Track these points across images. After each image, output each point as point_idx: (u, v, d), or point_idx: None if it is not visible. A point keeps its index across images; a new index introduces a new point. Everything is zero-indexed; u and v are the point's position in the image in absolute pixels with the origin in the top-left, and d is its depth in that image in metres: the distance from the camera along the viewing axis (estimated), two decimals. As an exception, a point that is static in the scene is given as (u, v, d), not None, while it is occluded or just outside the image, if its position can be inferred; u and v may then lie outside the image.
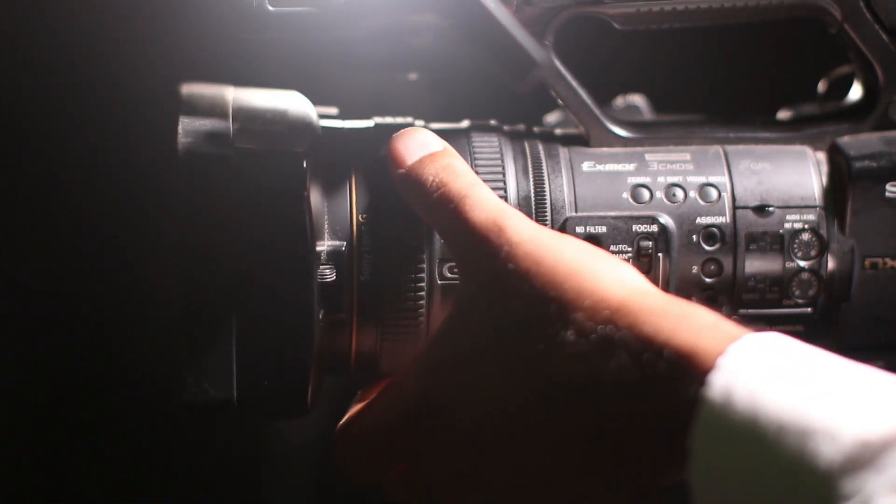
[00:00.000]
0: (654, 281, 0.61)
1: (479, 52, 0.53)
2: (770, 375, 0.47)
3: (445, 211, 0.57)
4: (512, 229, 0.55)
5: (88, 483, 0.97)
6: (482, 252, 0.56)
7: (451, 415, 0.56)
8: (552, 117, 0.71)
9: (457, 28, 0.53)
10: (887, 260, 0.62)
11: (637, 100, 0.71)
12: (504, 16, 0.52)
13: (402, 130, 0.60)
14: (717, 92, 0.90)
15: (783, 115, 0.69)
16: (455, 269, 0.60)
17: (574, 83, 0.63)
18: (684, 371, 0.49)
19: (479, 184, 0.58)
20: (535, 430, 0.53)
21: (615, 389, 0.51)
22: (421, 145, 0.60)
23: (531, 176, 0.62)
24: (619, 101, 0.71)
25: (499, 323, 0.55)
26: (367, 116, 0.65)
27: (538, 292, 0.54)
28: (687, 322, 0.51)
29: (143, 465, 0.97)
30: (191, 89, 0.62)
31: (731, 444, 0.47)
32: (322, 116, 0.64)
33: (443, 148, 0.60)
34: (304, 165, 0.57)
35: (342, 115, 0.66)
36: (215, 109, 0.60)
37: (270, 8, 0.58)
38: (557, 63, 0.62)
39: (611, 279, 0.54)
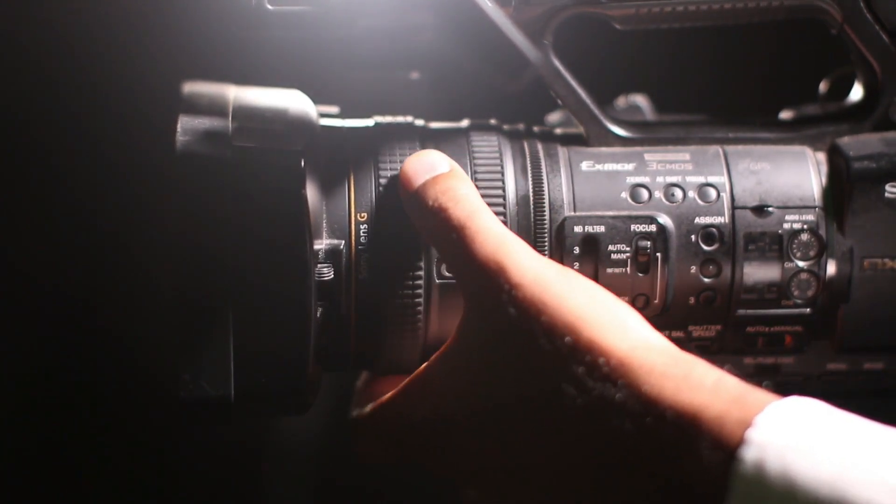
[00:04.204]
0: (653, 281, 0.61)
1: (473, 51, 0.53)
2: (801, 448, 0.46)
3: (445, 239, 0.57)
4: (513, 269, 0.55)
5: (86, 481, 0.97)
6: (483, 289, 0.55)
7: (457, 426, 0.56)
8: (554, 117, 0.71)
9: (451, 27, 0.53)
10: (886, 261, 0.61)
11: (639, 100, 0.71)
12: (498, 15, 0.52)
13: (415, 153, 0.60)
14: (718, 92, 0.90)
15: (786, 115, 0.69)
16: None
17: (573, 83, 0.63)
18: (691, 437, 0.48)
19: (480, 211, 0.57)
20: (539, 466, 0.53)
21: (617, 447, 0.51)
22: (428, 167, 0.59)
23: (530, 175, 0.62)
24: (621, 101, 0.71)
25: (499, 364, 0.54)
26: (369, 115, 0.65)
27: (538, 342, 0.53)
28: (689, 382, 0.50)
29: (142, 464, 0.97)
30: (192, 88, 0.62)
31: None
32: (323, 115, 0.64)
33: (449, 169, 0.59)
34: (302, 164, 0.57)
35: (344, 114, 0.66)
36: (215, 108, 0.60)
37: (269, 7, 0.58)
38: (556, 63, 0.62)
39: (613, 331, 0.53)
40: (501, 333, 0.54)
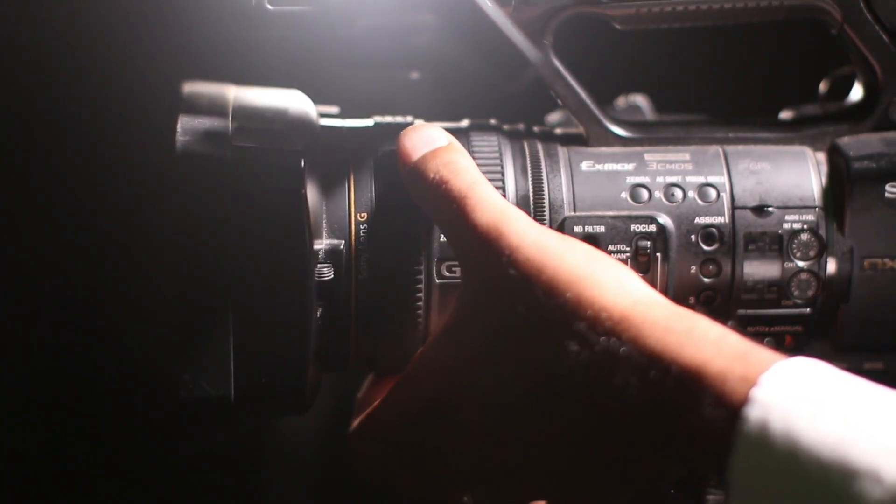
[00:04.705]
0: (653, 281, 0.61)
1: (473, 51, 0.53)
2: (805, 408, 0.46)
3: (447, 210, 0.57)
4: (513, 233, 0.55)
5: (86, 481, 0.97)
6: (483, 255, 0.55)
7: (459, 413, 0.56)
8: (554, 117, 0.71)
9: (451, 27, 0.53)
10: (886, 261, 0.61)
11: (639, 100, 0.71)
12: (499, 15, 0.52)
13: (412, 126, 0.60)
14: (717, 92, 0.90)
15: (785, 115, 0.69)
16: (454, 269, 0.60)
17: (573, 83, 0.63)
18: (694, 392, 0.48)
19: (480, 182, 0.57)
20: (543, 435, 0.53)
21: (622, 403, 0.50)
22: (426, 141, 0.59)
23: (530, 175, 0.62)
24: (621, 101, 0.71)
25: (501, 329, 0.54)
26: (368, 115, 0.65)
27: (540, 300, 0.53)
28: (692, 337, 0.50)
29: (143, 464, 0.97)
30: (192, 88, 0.62)
31: (771, 481, 0.46)
32: (323, 115, 0.64)
33: (448, 143, 0.59)
34: (302, 164, 0.57)
35: (343, 114, 0.66)
36: (215, 108, 0.60)
37: (269, 7, 0.58)
38: (556, 63, 0.62)
39: (614, 288, 0.53)
40: (502, 296, 0.54)
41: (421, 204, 0.59)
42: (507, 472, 0.55)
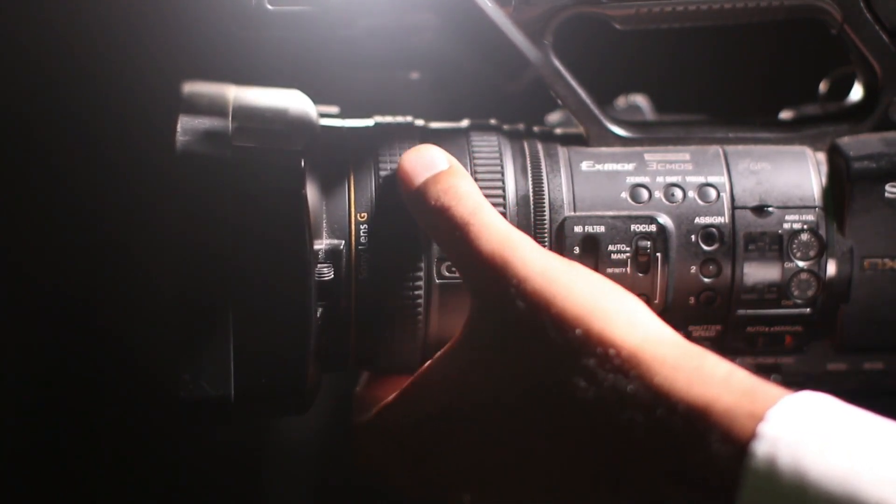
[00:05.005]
0: (653, 281, 0.61)
1: (473, 51, 0.53)
2: (813, 444, 0.46)
3: (450, 237, 0.57)
4: (519, 262, 0.55)
5: (86, 481, 0.97)
6: (490, 284, 0.55)
7: (463, 425, 0.56)
8: (554, 117, 0.71)
9: (451, 27, 0.53)
10: (886, 261, 0.61)
11: (639, 100, 0.71)
12: (498, 15, 0.52)
13: (412, 148, 0.60)
14: (717, 92, 0.90)
15: (785, 115, 0.69)
16: (454, 269, 0.60)
17: (573, 83, 0.63)
18: (702, 430, 0.48)
19: (482, 207, 0.57)
20: (545, 456, 0.53)
21: (627, 437, 0.51)
22: (427, 165, 0.59)
23: (530, 175, 0.62)
24: (621, 101, 0.71)
25: (508, 354, 0.54)
26: (368, 115, 0.65)
27: (548, 334, 0.53)
28: (700, 375, 0.50)
29: (143, 464, 0.97)
30: (192, 88, 0.62)
31: None
32: (323, 115, 0.64)
33: (448, 166, 0.59)
34: (302, 164, 0.57)
35: (343, 114, 0.66)
36: (215, 108, 0.60)
37: (269, 7, 0.58)
38: (556, 63, 0.63)
39: (623, 323, 0.53)
40: (510, 327, 0.54)
41: (425, 230, 0.59)
42: (507, 478, 0.55)
